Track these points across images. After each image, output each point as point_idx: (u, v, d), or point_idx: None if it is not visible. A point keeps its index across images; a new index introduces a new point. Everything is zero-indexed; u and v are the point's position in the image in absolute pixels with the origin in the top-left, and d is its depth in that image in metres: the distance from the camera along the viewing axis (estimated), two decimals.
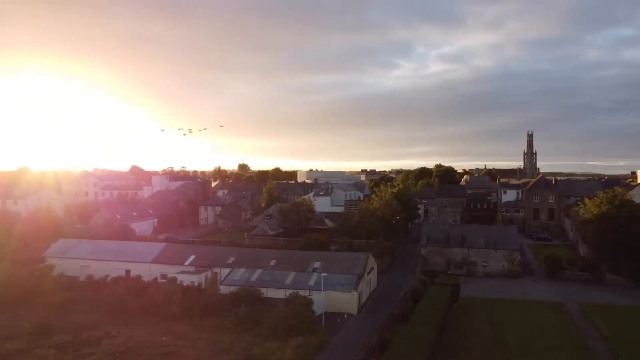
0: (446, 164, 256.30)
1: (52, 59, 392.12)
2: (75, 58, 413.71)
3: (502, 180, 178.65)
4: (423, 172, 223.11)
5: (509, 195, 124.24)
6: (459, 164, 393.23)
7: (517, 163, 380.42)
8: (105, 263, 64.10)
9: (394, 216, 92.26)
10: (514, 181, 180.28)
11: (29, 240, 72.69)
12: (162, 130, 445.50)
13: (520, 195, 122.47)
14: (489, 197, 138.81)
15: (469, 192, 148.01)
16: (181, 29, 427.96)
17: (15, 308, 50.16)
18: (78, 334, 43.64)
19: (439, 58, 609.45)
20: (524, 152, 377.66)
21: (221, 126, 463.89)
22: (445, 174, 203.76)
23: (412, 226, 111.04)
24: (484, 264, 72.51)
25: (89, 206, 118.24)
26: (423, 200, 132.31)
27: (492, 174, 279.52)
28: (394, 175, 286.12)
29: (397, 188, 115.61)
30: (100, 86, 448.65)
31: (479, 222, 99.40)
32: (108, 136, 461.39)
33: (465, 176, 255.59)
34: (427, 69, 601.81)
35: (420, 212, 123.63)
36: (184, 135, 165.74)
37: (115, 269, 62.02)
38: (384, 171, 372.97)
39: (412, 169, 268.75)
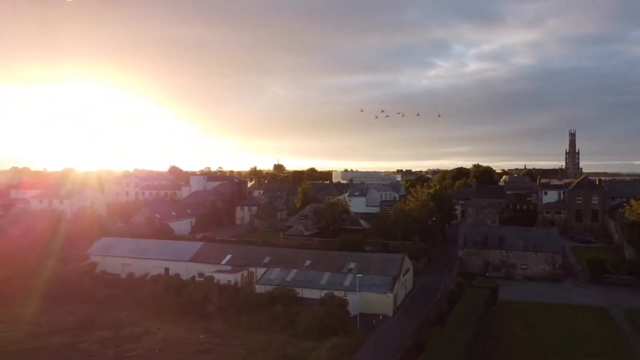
0: (484, 164, 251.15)
1: (94, 68, 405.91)
2: (114, 65, 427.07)
3: (543, 180, 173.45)
4: (460, 172, 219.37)
5: (550, 196, 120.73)
6: (498, 164, 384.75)
7: (559, 163, 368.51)
8: (145, 261, 65.72)
9: (430, 217, 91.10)
10: (555, 182, 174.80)
11: (73, 239, 75.17)
12: (361, 111, 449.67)
13: (562, 196, 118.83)
14: (528, 198, 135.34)
15: (507, 192, 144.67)
16: (218, 33, 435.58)
17: (61, 304, 52.01)
18: (119, 330, 45.05)
19: (477, 57, 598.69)
20: (566, 152, 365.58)
21: (362, 110, 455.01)
22: (483, 174, 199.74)
23: (449, 227, 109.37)
24: (523, 266, 70.71)
25: (130, 205, 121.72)
26: (460, 201, 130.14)
27: (532, 174, 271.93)
28: (430, 176, 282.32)
29: (433, 188, 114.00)
30: (139, 91, 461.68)
31: (518, 224, 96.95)
32: (147, 138, 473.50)
33: (504, 176, 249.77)
34: (465, 68, 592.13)
35: (457, 213, 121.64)
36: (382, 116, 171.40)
37: (154, 267, 63.56)
38: (420, 171, 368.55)
39: (449, 169, 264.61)
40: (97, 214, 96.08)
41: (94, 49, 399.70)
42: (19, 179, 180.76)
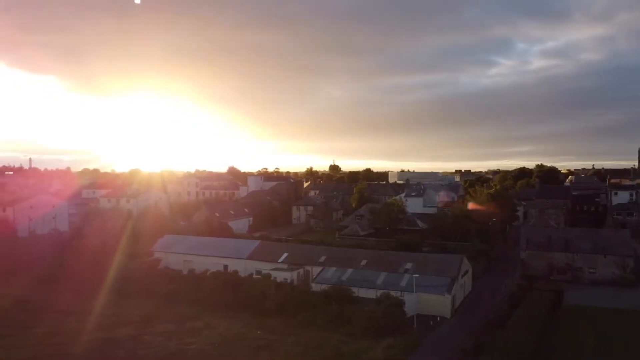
0: (548, 163, 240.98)
1: (159, 80, 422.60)
2: (177, 74, 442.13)
3: (613, 180, 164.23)
4: (522, 172, 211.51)
5: (621, 197, 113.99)
6: (563, 164, 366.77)
7: (630, 162, 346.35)
8: (205, 258, 67.72)
9: (490, 218, 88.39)
10: (626, 182, 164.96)
11: (139, 236, 78.53)
12: None
13: (634, 197, 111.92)
14: (597, 199, 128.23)
15: (574, 193, 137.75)
16: (277, 37, 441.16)
17: (127, 297, 54.45)
18: (181, 324, 46.57)
19: (541, 54, 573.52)
20: (639, 151, 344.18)
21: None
22: (547, 175, 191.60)
23: (510, 229, 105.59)
24: (590, 270, 67.13)
25: (191, 205, 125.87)
26: (522, 202, 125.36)
27: (601, 174, 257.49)
28: (490, 176, 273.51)
29: (493, 189, 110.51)
30: (200, 96, 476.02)
31: (585, 226, 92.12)
32: (207, 141, 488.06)
33: (569, 177, 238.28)
34: (528, 66, 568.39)
35: (519, 214, 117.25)
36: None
37: (214, 264, 65.34)
38: (480, 172, 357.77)
39: (510, 169, 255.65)
40: (161, 213, 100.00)
41: (158, 59, 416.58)
42: (90, 179, 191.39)
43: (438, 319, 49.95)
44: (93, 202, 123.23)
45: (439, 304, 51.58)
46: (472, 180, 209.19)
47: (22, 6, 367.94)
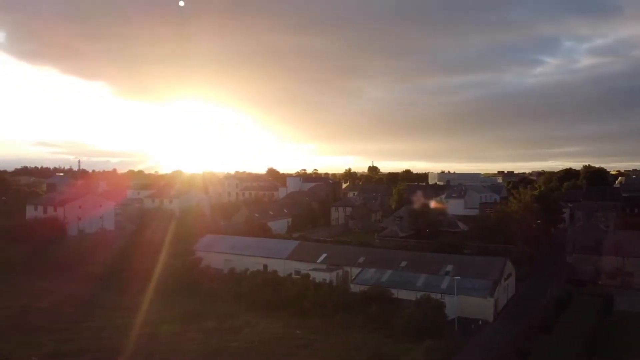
0: (596, 164, 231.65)
1: (203, 83, 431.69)
2: (220, 74, 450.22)
3: None
4: (568, 173, 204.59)
5: None
6: (613, 165, 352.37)
7: None
8: (245, 258, 68.61)
9: (534, 220, 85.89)
10: None
11: (181, 235, 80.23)
12: None
13: None
14: None
15: (624, 195, 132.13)
16: (322, 40, 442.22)
17: (170, 295, 55.73)
18: (222, 322, 47.32)
19: (589, 52, 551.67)
20: None
21: None
22: (595, 176, 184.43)
23: (556, 231, 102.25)
24: None
25: (231, 205, 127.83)
26: (568, 204, 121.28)
27: None
28: (534, 178, 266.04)
29: (538, 190, 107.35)
30: (242, 99, 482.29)
31: (637, 229, 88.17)
32: (248, 142, 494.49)
33: (619, 178, 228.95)
34: (576, 64, 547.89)
35: (565, 216, 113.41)
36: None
37: (254, 264, 66.10)
38: (523, 173, 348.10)
39: (556, 170, 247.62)
40: (202, 213, 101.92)
41: (202, 64, 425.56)
42: (135, 180, 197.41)
43: (480, 322, 48.90)
44: (138, 202, 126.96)
45: (481, 307, 50.50)
46: (515, 182, 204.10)
47: (73, 15, 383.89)
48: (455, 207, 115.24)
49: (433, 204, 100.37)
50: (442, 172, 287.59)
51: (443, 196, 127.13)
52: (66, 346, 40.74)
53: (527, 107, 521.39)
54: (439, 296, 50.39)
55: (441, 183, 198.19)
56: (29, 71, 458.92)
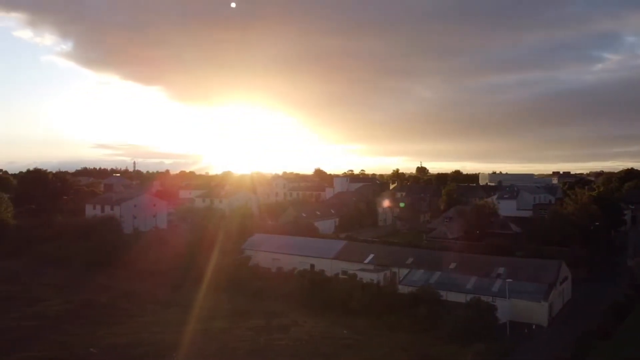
0: None
1: (252, 86, 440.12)
2: (269, 77, 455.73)
3: None
4: (630, 173, 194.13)
5: None
6: None
7: None
8: (292, 257, 69.16)
9: (592, 222, 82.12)
10: None
11: (230, 234, 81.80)
12: None
13: None
14: None
15: None
16: (370, 41, 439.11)
17: (220, 292, 57.01)
18: (269, 320, 47.88)
19: None
20: None
21: None
22: None
23: (616, 234, 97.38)
24: None
25: (279, 205, 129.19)
26: (630, 206, 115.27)
27: None
28: (592, 178, 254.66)
29: (596, 191, 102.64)
30: (291, 100, 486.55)
31: None
32: (295, 144, 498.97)
33: None
34: (639, 60, 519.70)
35: (627, 218, 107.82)
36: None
37: (301, 263, 66.57)
38: (580, 174, 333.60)
39: (616, 170, 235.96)
40: (250, 213, 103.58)
41: (251, 67, 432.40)
42: (187, 180, 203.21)
43: (533, 327, 47.26)
44: (189, 202, 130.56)
45: (535, 311, 48.80)
46: (571, 183, 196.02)
47: (134, 24, 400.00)
48: (507, 208, 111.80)
49: (483, 205, 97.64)
50: (494, 173, 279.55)
51: (494, 197, 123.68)
52: (122, 339, 42.42)
53: (585, 105, 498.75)
54: (489, 299, 49.06)
55: (492, 184, 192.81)
56: (92, 78, 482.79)
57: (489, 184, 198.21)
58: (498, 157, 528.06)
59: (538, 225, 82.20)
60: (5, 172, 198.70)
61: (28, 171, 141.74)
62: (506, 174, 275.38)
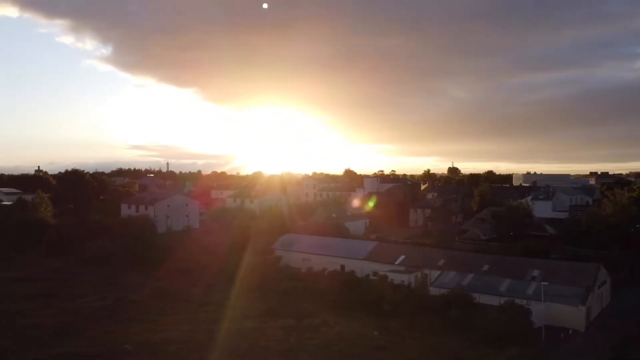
0: None
1: (284, 86, 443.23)
2: (301, 78, 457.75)
3: None
4: None
5: None
6: None
7: None
8: (323, 257, 69.14)
9: (632, 224, 79.33)
10: None
11: (261, 234, 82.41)
12: None
13: None
14: None
15: None
16: (403, 41, 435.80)
17: (251, 292, 57.46)
18: (300, 320, 48.03)
19: None
20: None
21: None
22: None
23: None
24: None
25: (309, 206, 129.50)
26: None
27: None
28: (632, 179, 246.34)
29: (637, 192, 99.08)
30: (322, 101, 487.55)
31: None
32: (325, 144, 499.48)
33: None
34: None
35: None
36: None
37: (331, 263, 66.50)
38: (620, 174, 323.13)
39: None
40: (281, 213, 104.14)
41: (283, 68, 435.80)
42: (218, 181, 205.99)
43: (570, 331, 45.92)
44: (220, 202, 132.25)
45: (572, 315, 47.42)
46: (610, 183, 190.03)
47: (170, 28, 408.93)
48: (542, 209, 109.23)
49: (517, 206, 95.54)
50: (528, 173, 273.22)
51: (529, 198, 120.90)
52: (155, 337, 43.27)
53: (625, 103, 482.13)
54: (524, 302, 48.00)
55: (527, 184, 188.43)
56: (130, 81, 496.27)
57: (523, 184, 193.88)
58: (533, 157, 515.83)
59: (575, 227, 79.97)
60: (45, 172, 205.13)
61: (66, 172, 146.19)
62: (541, 174, 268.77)
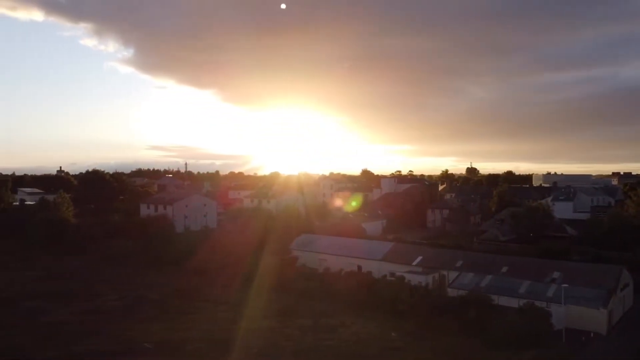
0: None
1: (303, 87, 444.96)
2: (319, 79, 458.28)
3: None
4: None
5: None
6: None
7: None
8: (340, 258, 69.04)
9: None
10: None
11: (278, 234, 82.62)
12: None
13: None
14: None
15: None
16: (423, 40, 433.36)
17: (268, 292, 57.62)
18: (317, 320, 48.05)
19: None
20: None
21: None
22: None
23: None
24: None
25: (326, 206, 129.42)
26: None
27: None
28: None
29: None
30: (340, 101, 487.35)
31: None
32: (343, 144, 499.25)
33: None
34: None
35: None
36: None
37: (348, 264, 66.36)
38: None
39: None
40: (298, 213, 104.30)
41: (302, 69, 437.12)
42: (236, 181, 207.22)
43: (591, 335, 45.09)
44: (238, 202, 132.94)
45: (593, 318, 46.52)
46: (633, 184, 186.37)
47: (189, 30, 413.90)
48: (562, 210, 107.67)
49: (537, 206, 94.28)
50: (548, 174, 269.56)
51: (549, 199, 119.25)
52: (174, 336, 43.69)
53: None
54: (544, 304, 47.33)
55: (547, 185, 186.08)
56: (150, 82, 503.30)
57: (543, 185, 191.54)
58: (553, 157, 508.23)
59: (596, 228, 78.62)
60: (67, 173, 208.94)
61: (87, 172, 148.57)
62: (562, 174, 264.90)
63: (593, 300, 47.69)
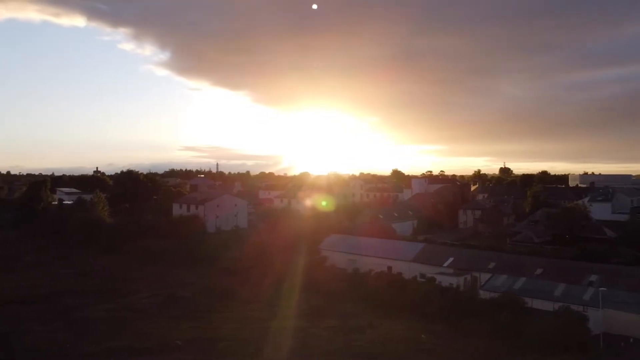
0: None
1: (333, 87, 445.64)
2: (350, 79, 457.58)
3: None
4: None
5: None
6: None
7: None
8: (369, 258, 68.58)
9: None
10: None
11: (308, 234, 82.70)
12: None
13: None
14: None
15: None
16: (455, 40, 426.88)
17: (298, 291, 57.65)
18: (346, 321, 47.82)
19: None
20: None
21: None
22: None
23: None
24: None
25: (356, 206, 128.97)
26: None
27: None
28: None
29: None
30: (370, 101, 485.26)
31: None
32: (373, 144, 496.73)
33: None
34: None
35: None
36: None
37: (378, 265, 65.84)
38: None
39: None
40: (327, 213, 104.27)
41: (332, 70, 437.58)
42: (266, 181, 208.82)
43: (631, 340, 43.45)
44: (268, 202, 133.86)
45: (633, 323, 44.78)
46: None
47: (223, 32, 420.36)
48: (600, 211, 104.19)
49: (574, 207, 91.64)
50: (585, 174, 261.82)
51: (586, 199, 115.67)
52: (204, 333, 44.21)
53: None
54: (580, 308, 45.82)
55: (583, 185, 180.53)
56: (185, 84, 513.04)
57: (579, 185, 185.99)
58: (591, 157, 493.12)
59: (637, 230, 75.85)
60: (103, 173, 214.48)
61: (122, 172, 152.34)
62: (599, 174, 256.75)
63: (634, 304, 45.97)
